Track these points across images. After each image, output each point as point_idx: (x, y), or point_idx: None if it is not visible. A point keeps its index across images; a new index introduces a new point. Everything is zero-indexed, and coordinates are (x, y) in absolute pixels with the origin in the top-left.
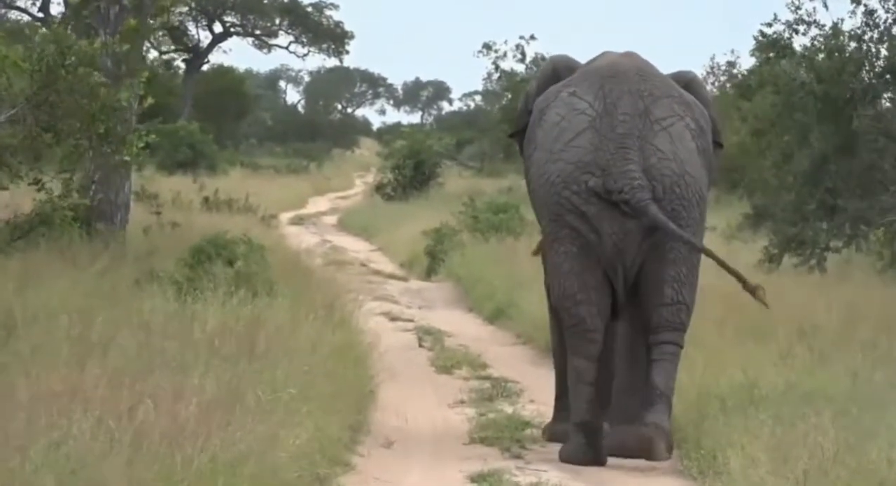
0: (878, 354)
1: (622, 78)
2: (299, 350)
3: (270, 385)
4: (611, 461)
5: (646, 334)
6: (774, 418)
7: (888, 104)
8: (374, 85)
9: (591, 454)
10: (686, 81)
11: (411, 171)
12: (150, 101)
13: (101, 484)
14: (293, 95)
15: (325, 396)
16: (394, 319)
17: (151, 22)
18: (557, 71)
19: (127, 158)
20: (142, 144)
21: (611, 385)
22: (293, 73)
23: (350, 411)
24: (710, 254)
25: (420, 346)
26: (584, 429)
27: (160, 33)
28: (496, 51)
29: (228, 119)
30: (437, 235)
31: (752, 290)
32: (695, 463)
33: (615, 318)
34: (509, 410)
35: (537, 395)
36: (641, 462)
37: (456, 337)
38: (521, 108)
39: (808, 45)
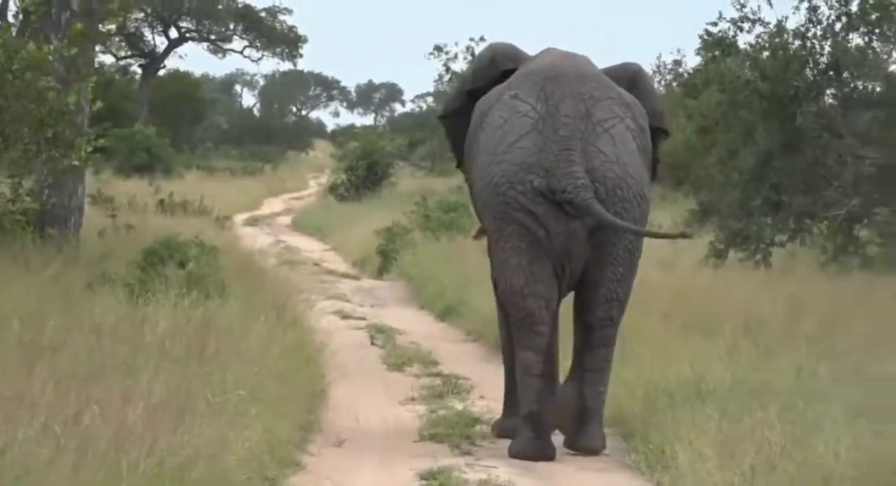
0: (822, 348)
1: (563, 80)
2: (250, 351)
3: (220, 387)
4: (560, 457)
5: (582, 332)
6: (721, 412)
7: (831, 101)
8: (328, 88)
9: (539, 447)
10: (631, 74)
11: (364, 171)
12: (98, 104)
13: None
14: (248, 99)
15: (276, 397)
16: (346, 317)
17: (106, 28)
18: (495, 59)
19: (76, 163)
20: (90, 148)
21: (556, 378)
22: (248, 78)
23: (301, 411)
24: (656, 234)
25: (372, 344)
26: (532, 421)
27: (117, 39)
28: (447, 53)
29: (184, 123)
30: (388, 234)
31: (680, 234)
32: (643, 457)
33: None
34: (459, 406)
35: (487, 391)
36: (590, 458)
37: (407, 335)
38: (455, 91)
39: (753, 43)
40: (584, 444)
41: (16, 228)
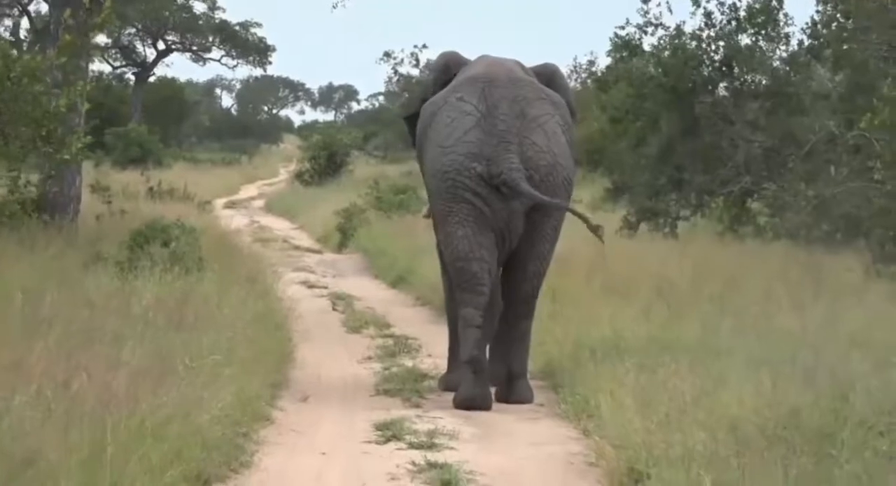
0: (723, 307)
1: (499, 84)
2: (224, 319)
3: (197, 352)
4: (498, 407)
5: (508, 305)
6: (638, 366)
7: (724, 93)
8: (295, 90)
9: (479, 389)
10: (550, 72)
11: (325, 160)
12: (87, 106)
13: (38, 450)
14: (227, 100)
15: (247, 359)
16: (311, 286)
17: (104, 42)
18: (448, 64)
19: (67, 157)
20: (80, 145)
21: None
22: (227, 82)
23: (270, 371)
24: (571, 210)
25: (333, 309)
26: (472, 364)
27: (113, 51)
28: (395, 58)
29: (172, 121)
30: (346, 214)
31: (594, 229)
32: (571, 407)
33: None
34: (409, 364)
35: (433, 350)
36: (524, 408)
37: (364, 301)
38: (419, 94)
39: (656, 44)
40: (514, 398)
41: (15, 215)
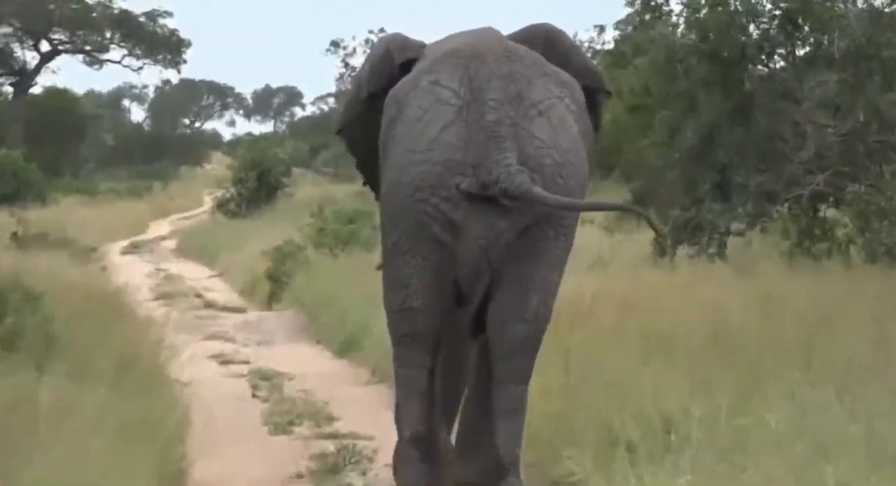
0: (817, 364)
1: (487, 58)
2: (67, 441)
3: None
4: None
5: (493, 351)
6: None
7: (782, 62)
8: (222, 96)
9: (430, 469)
10: (543, 33)
11: (255, 182)
12: None
13: None
14: (138, 114)
15: None
16: (225, 362)
17: None
18: (390, 52)
19: None
20: None
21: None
22: (137, 91)
23: None
24: (615, 206)
25: (253, 396)
26: (416, 444)
27: None
28: (345, 48)
29: (65, 143)
30: (278, 255)
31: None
32: None
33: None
34: (359, 484)
35: None
36: None
37: (298, 380)
38: (352, 96)
39: (687, 1)
40: None
41: None
